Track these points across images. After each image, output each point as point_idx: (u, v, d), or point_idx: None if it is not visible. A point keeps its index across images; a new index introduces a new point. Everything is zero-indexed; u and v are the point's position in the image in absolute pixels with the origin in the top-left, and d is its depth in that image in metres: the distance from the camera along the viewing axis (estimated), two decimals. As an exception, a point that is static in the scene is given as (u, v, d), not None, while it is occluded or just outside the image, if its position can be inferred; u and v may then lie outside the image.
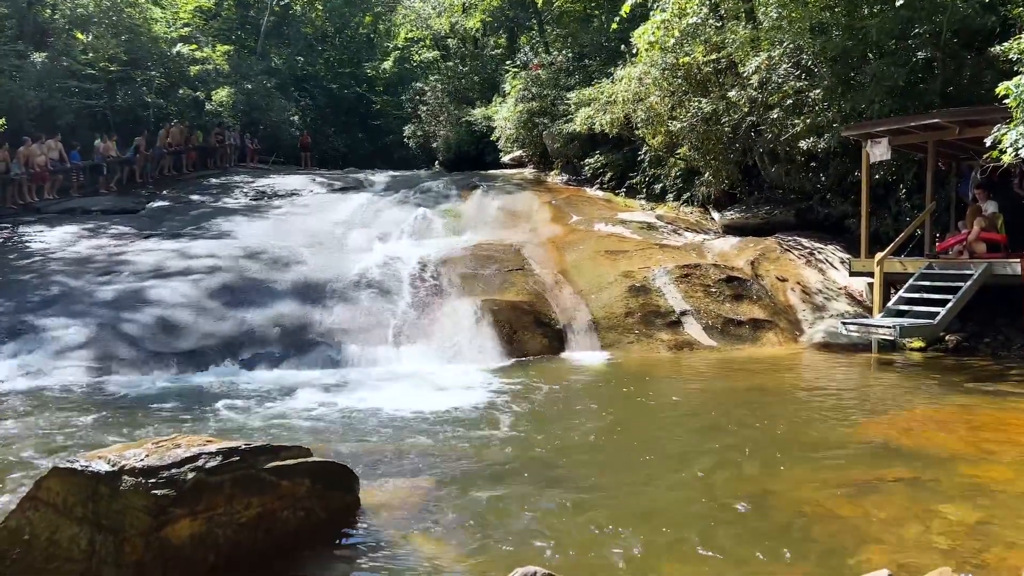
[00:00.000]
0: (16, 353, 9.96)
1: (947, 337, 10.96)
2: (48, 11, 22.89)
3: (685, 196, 17.95)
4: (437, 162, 30.60)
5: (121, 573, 3.62)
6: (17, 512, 3.79)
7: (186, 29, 26.67)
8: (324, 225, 16.47)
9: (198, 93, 26.16)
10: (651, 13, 15.30)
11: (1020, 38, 9.40)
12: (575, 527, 4.64)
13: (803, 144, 13.89)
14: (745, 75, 15.09)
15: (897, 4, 11.49)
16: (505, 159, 25.85)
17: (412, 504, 5.01)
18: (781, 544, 4.35)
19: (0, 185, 17.97)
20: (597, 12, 24.08)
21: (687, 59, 15.62)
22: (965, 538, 4.35)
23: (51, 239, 14.98)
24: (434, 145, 31.43)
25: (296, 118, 33.19)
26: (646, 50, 15.55)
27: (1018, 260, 10.38)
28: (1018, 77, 8.18)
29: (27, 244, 14.71)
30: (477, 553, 4.31)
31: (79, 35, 22.02)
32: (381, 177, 23.12)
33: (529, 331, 11.44)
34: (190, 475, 3.89)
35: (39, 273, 12.68)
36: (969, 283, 10.29)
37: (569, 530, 4.60)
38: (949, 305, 10.09)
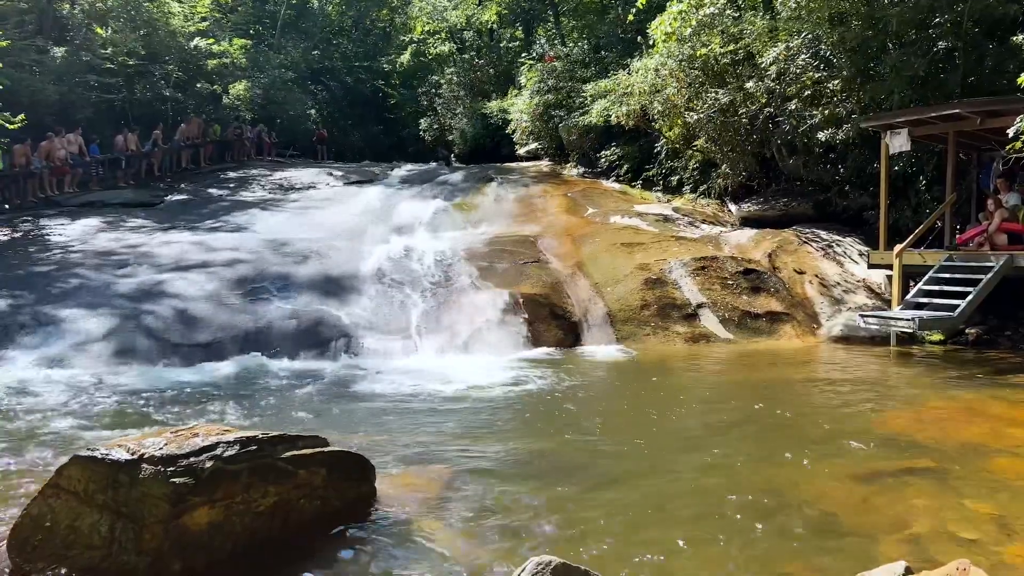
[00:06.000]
0: (37, 344, 10.09)
1: (967, 330, 10.85)
2: (68, 6, 23.06)
3: (702, 188, 17.85)
4: (452, 155, 30.62)
5: (140, 560, 3.66)
6: (39, 500, 3.84)
7: (204, 23, 26.80)
8: (341, 218, 16.54)
9: (215, 87, 26.31)
10: (668, 4, 15.22)
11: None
12: (592, 519, 4.63)
13: (821, 135, 13.79)
14: (763, 66, 14.98)
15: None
16: (521, 152, 25.83)
17: (429, 494, 5.03)
18: (799, 534, 4.33)
19: (22, 179, 18.20)
20: (613, 3, 23.97)
21: (704, 50, 15.51)
22: (984, 531, 4.32)
23: (71, 232, 15.12)
24: (450, 138, 31.42)
25: (313, 112, 33.25)
26: (663, 41, 15.51)
27: (1040, 252, 10.27)
28: (1041, 66, 8.08)
29: (48, 237, 14.87)
30: (493, 543, 4.32)
31: (98, 29, 22.17)
32: (397, 170, 23.20)
33: (545, 323, 11.43)
34: (208, 464, 3.92)
35: (60, 266, 12.81)
36: (990, 275, 10.19)
37: (586, 522, 4.59)
38: (969, 298, 9.99)
